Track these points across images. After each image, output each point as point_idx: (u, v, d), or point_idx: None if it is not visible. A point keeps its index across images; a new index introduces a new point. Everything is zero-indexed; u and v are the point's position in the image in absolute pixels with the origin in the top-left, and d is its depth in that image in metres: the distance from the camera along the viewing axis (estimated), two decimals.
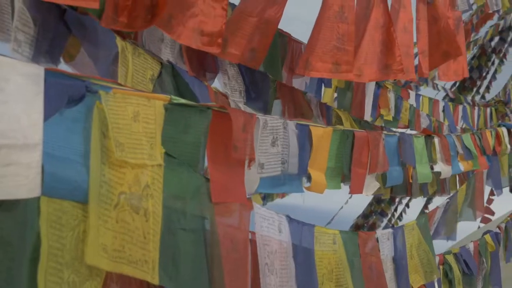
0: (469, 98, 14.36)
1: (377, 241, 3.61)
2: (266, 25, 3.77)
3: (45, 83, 1.76)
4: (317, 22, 3.76)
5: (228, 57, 3.84)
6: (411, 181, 4.84)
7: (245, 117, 2.68)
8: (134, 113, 2.10)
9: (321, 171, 3.31)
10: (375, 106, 6.33)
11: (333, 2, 3.82)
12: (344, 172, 3.68)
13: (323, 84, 5.43)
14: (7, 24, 2.80)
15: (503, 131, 7.02)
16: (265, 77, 4.64)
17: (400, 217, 14.55)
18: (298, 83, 5.02)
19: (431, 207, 13.89)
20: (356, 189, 3.82)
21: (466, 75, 5.76)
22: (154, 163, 2.13)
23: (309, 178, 3.29)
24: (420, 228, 4.08)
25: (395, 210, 14.64)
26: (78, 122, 1.93)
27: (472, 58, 16.47)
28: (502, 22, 14.94)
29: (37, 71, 1.76)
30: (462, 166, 5.81)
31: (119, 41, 3.26)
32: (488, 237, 5.78)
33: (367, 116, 5.84)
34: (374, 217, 14.78)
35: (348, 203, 13.83)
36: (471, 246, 5.38)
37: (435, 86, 11.72)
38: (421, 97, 8.53)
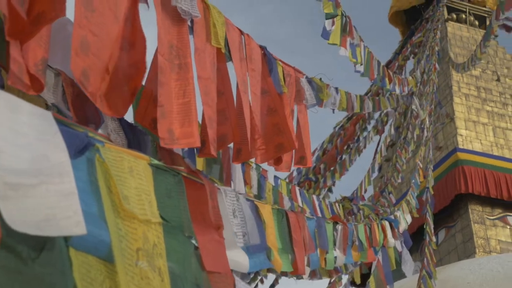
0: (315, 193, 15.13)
1: None
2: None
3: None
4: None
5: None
6: (323, 266, 4.95)
7: (209, 184, 2.72)
8: (129, 168, 2.09)
9: (275, 248, 3.37)
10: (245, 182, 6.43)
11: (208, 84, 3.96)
12: (287, 252, 3.74)
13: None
14: None
15: (386, 224, 7.43)
16: (145, 135, 4.61)
17: None
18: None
19: None
20: (301, 270, 3.87)
21: (310, 164, 6.00)
22: (156, 221, 2.11)
23: (270, 253, 3.33)
24: None
25: None
26: (86, 174, 1.91)
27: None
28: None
29: (44, 112, 1.76)
30: (353, 257, 6.05)
31: (4, 74, 3.17)
32: None
33: (240, 191, 5.93)
34: None
35: None
36: None
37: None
38: (279, 180, 8.60)
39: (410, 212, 9.76)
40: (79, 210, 1.67)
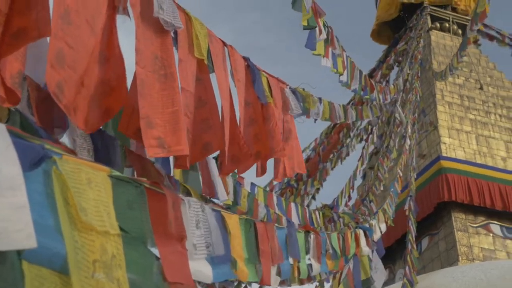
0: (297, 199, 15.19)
1: None
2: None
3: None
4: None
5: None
6: (296, 276, 4.98)
7: (172, 195, 2.73)
8: (87, 180, 2.10)
9: (240, 259, 3.38)
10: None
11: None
12: (253, 262, 3.76)
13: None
14: None
15: (361, 233, 7.47)
16: (114, 140, 4.63)
17: None
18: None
19: None
20: (267, 280, 3.89)
21: (304, 171, 6.03)
22: (114, 232, 2.13)
23: (235, 264, 3.35)
24: None
25: None
26: (42, 186, 1.92)
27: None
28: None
29: None
30: (327, 265, 6.07)
31: None
32: None
33: (222, 196, 5.95)
34: None
35: None
36: None
37: None
38: (256, 187, 8.52)
39: (386, 221, 9.79)
40: (30, 223, 1.67)
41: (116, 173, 2.35)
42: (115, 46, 3.27)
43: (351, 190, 15.89)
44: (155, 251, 2.47)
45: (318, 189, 17.08)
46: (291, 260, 4.68)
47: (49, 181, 1.94)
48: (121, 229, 2.21)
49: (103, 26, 3.19)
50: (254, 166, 5.17)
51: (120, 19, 3.39)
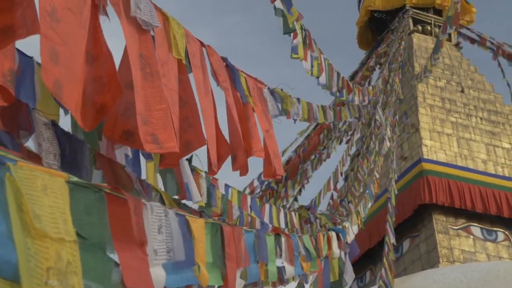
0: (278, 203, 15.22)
1: None
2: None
3: None
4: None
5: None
6: (263, 279, 4.97)
7: (133, 200, 2.72)
8: (43, 186, 2.08)
9: (202, 263, 3.38)
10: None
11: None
12: (219, 266, 3.75)
13: (145, 159, 5.42)
14: None
15: (333, 235, 7.48)
16: (83, 144, 4.62)
17: None
18: (120, 155, 5.03)
19: None
20: (231, 284, 3.88)
21: (282, 173, 6.03)
22: (70, 239, 2.11)
23: (198, 269, 3.34)
24: None
25: None
26: None
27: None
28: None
29: None
30: (302, 267, 6.07)
31: None
32: None
33: (196, 198, 5.94)
34: None
35: None
36: None
37: None
38: (230, 189, 8.47)
39: (359, 223, 9.80)
40: None
41: (75, 178, 2.33)
42: (102, 43, 3.28)
43: (333, 192, 15.92)
44: (115, 257, 2.45)
45: (300, 190, 17.11)
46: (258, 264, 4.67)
47: (2, 187, 1.92)
48: (78, 235, 2.19)
49: (89, 24, 3.19)
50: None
51: (103, 17, 3.40)
